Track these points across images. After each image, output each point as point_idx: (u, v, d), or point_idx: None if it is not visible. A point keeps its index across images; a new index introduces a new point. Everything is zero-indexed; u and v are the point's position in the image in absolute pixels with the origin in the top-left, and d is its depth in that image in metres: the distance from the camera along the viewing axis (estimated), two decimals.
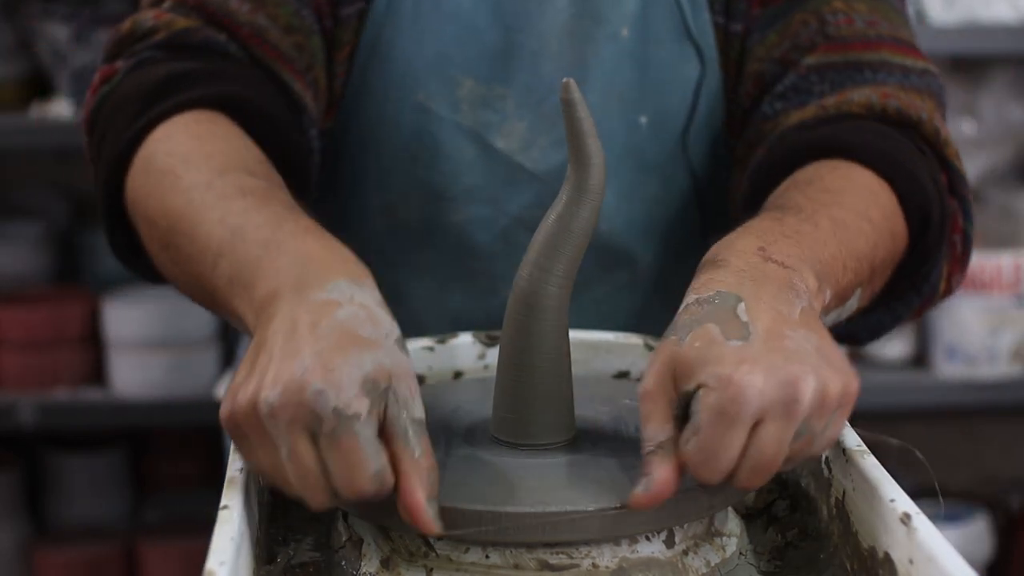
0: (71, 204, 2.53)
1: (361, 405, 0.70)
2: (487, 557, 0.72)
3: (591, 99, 1.09)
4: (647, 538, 0.74)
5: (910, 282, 1.02)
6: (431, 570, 0.73)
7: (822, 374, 0.72)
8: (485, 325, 1.12)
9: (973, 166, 2.47)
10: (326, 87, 1.09)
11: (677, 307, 1.14)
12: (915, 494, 0.75)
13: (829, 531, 0.77)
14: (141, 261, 1.02)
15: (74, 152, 1.86)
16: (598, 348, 0.96)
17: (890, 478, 0.71)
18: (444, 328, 1.12)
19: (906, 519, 0.66)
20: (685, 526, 0.75)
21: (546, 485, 0.74)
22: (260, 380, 0.72)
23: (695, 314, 0.76)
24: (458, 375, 0.95)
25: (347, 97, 1.11)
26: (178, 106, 0.98)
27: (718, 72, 1.12)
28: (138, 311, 2.25)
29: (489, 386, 0.82)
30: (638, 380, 0.94)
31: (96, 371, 2.30)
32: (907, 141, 1.01)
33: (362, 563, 0.75)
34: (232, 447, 0.76)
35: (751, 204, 1.01)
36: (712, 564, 0.75)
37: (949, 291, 1.07)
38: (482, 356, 0.95)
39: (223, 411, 0.75)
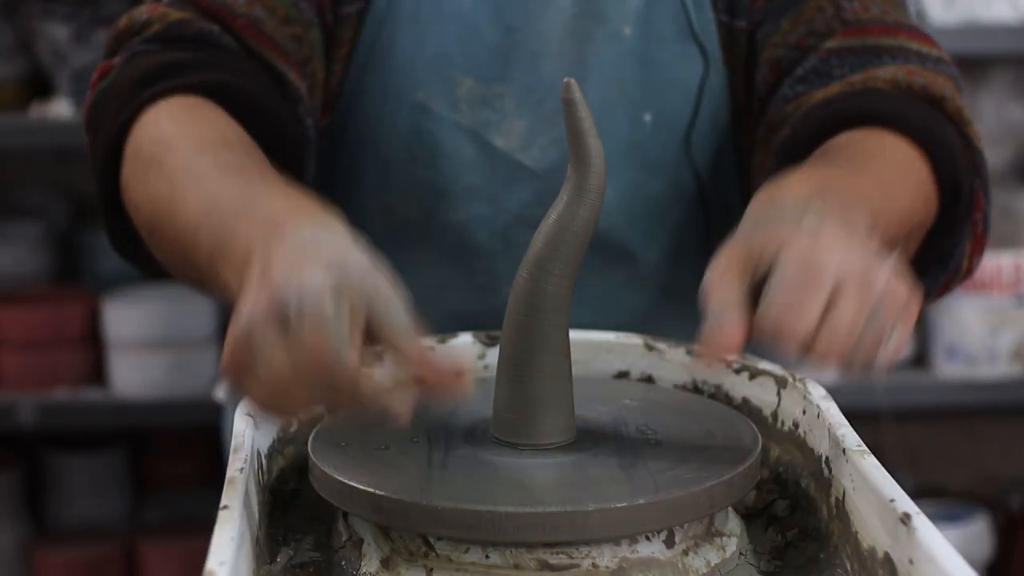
0: (71, 204, 2.53)
1: (326, 294, 0.72)
2: (487, 557, 0.72)
3: (592, 97, 1.09)
4: (647, 538, 0.74)
5: (937, 255, 1.03)
6: (431, 570, 0.73)
7: (892, 270, 0.74)
8: (486, 324, 1.12)
9: None
10: (323, 82, 1.09)
11: (678, 306, 1.15)
12: (915, 494, 0.75)
13: (829, 531, 0.77)
14: (139, 254, 1.03)
15: (74, 152, 1.86)
16: (598, 348, 0.96)
17: (890, 478, 0.71)
18: (444, 327, 1.12)
19: (906, 519, 0.66)
20: (685, 526, 0.75)
21: (546, 485, 0.74)
22: (241, 312, 0.74)
23: (762, 216, 0.77)
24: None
25: (344, 96, 1.11)
26: (165, 93, 0.98)
27: (722, 70, 1.12)
28: (138, 311, 2.25)
29: (489, 386, 0.82)
30: (638, 380, 0.94)
31: (96, 371, 2.30)
32: (937, 113, 1.01)
33: (362, 563, 0.75)
34: (232, 448, 0.76)
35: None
36: (712, 564, 0.75)
37: (970, 272, 1.07)
38: (482, 356, 0.95)
39: (223, 362, 0.77)
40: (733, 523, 0.79)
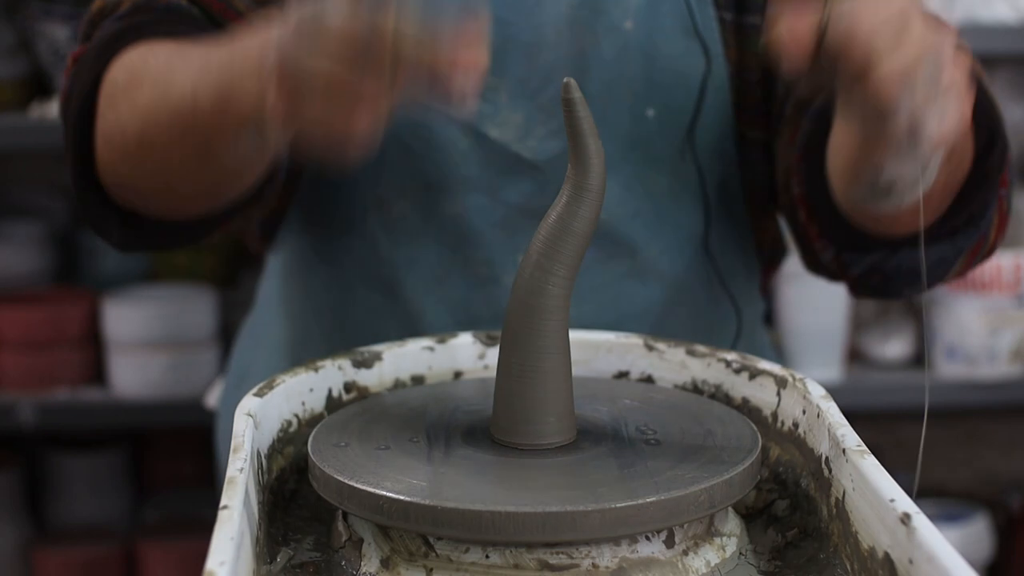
0: (71, 204, 2.53)
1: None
2: (487, 557, 0.72)
3: (592, 89, 1.10)
4: (647, 538, 0.74)
5: (968, 216, 1.03)
6: (431, 570, 0.73)
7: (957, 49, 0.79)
8: (486, 315, 1.12)
9: None
10: None
11: (677, 301, 1.15)
12: (915, 494, 0.75)
13: (829, 531, 0.77)
14: (115, 226, 1.03)
15: None
16: (598, 348, 0.96)
17: (890, 478, 0.71)
18: (444, 319, 1.12)
19: (906, 519, 0.66)
20: (685, 526, 0.75)
21: (546, 485, 0.74)
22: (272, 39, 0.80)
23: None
24: (458, 375, 0.95)
25: None
26: (130, 46, 1.00)
27: (724, 66, 1.13)
28: (138, 311, 2.25)
29: (489, 386, 0.82)
30: (638, 380, 0.94)
31: (96, 371, 2.30)
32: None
33: (362, 563, 0.75)
34: (232, 448, 0.76)
35: (814, 142, 1.04)
36: (712, 564, 0.75)
37: (993, 248, 1.08)
38: (482, 356, 0.95)
39: (271, 103, 0.81)
40: (733, 523, 0.79)
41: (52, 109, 2.28)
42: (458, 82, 0.78)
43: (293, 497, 0.84)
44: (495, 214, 1.12)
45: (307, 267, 1.19)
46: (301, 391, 0.88)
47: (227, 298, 2.34)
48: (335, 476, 0.75)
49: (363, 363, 0.92)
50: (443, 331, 1.11)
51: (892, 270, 1.08)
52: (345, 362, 0.91)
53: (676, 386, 0.93)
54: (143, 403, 2.25)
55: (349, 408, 0.87)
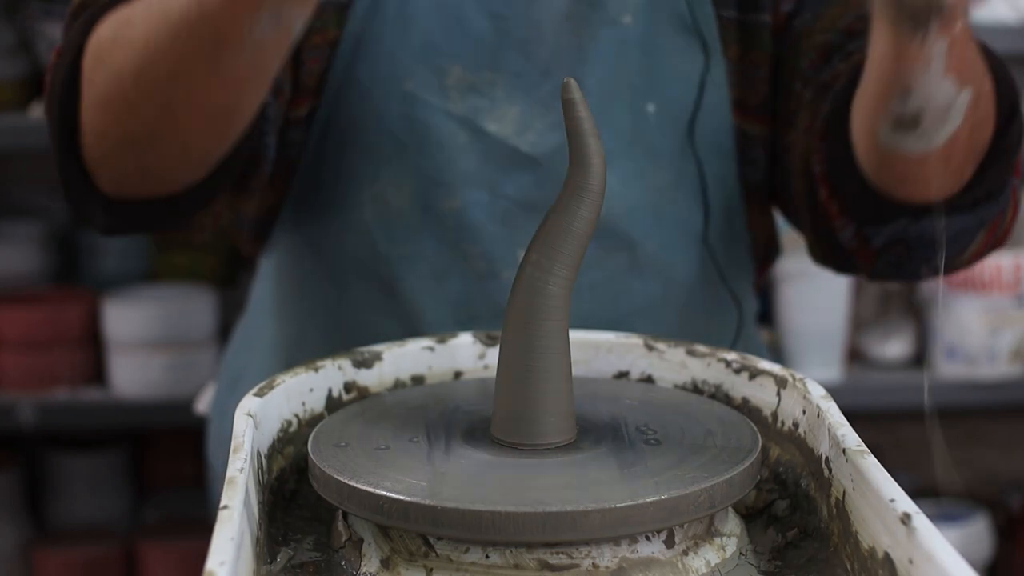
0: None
1: None
2: (487, 557, 0.72)
3: (590, 83, 1.10)
4: (647, 538, 0.74)
5: (987, 187, 1.04)
6: (431, 570, 0.73)
7: None
8: (485, 310, 1.12)
9: None
10: (291, 68, 1.09)
11: (677, 297, 1.16)
12: (915, 494, 0.75)
13: (829, 531, 0.77)
14: (100, 213, 1.03)
15: None
16: (598, 348, 0.96)
17: (890, 478, 0.71)
18: (443, 316, 1.12)
19: (906, 519, 0.66)
20: (685, 526, 0.75)
21: (546, 485, 0.74)
22: None
23: None
24: (458, 375, 0.95)
25: (330, 90, 1.12)
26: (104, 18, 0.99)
27: (722, 64, 1.13)
28: (138, 311, 2.25)
29: (489, 386, 0.82)
30: (638, 380, 0.94)
31: (96, 371, 2.30)
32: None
33: (362, 563, 0.75)
34: (232, 448, 0.76)
35: (837, 122, 1.04)
36: (712, 564, 0.75)
37: (1008, 233, 1.09)
38: (482, 356, 0.95)
39: None
40: (733, 523, 0.79)
41: None
42: None
43: (293, 497, 0.84)
44: (494, 208, 1.12)
45: (302, 267, 1.19)
46: (301, 391, 0.88)
47: (227, 298, 2.34)
48: (335, 476, 0.75)
49: (363, 363, 0.92)
50: (442, 327, 1.11)
51: (915, 240, 1.07)
52: (345, 362, 0.91)
53: (676, 386, 0.93)
54: (143, 403, 2.25)
55: (349, 408, 0.87)
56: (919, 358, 2.38)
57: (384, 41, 1.11)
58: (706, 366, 0.92)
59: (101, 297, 2.29)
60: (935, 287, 2.30)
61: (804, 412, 0.83)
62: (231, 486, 0.71)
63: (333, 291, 1.17)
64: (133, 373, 2.25)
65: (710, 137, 1.15)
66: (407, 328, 1.12)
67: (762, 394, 0.88)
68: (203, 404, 1.48)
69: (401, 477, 0.74)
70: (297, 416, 0.87)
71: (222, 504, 0.69)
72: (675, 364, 0.93)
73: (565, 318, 0.79)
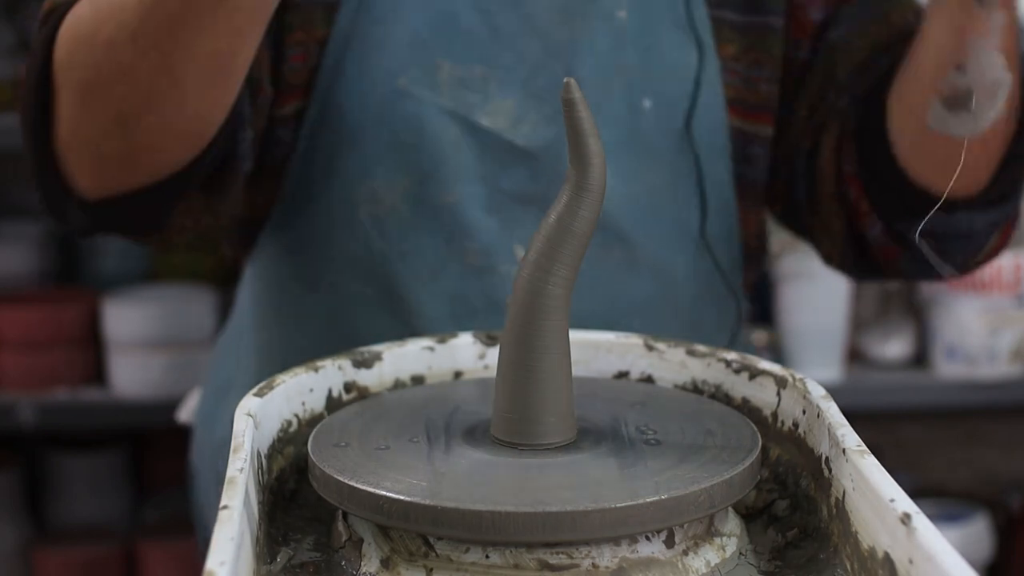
0: None
1: None
2: (487, 557, 0.72)
3: (584, 77, 1.10)
4: (647, 538, 0.74)
5: (1003, 189, 1.07)
6: (431, 570, 0.73)
7: None
8: (482, 305, 1.12)
9: None
10: (270, 66, 1.09)
11: (673, 293, 1.17)
12: (915, 494, 0.75)
13: (829, 531, 0.77)
14: (75, 214, 1.03)
15: None
16: (598, 348, 0.96)
17: (890, 478, 0.71)
18: (440, 312, 1.12)
19: (906, 519, 0.66)
20: (685, 526, 0.75)
21: (546, 485, 0.74)
22: None
23: None
24: (458, 375, 0.95)
25: (320, 88, 1.12)
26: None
27: (716, 61, 1.14)
28: (138, 311, 2.25)
29: (489, 386, 0.82)
30: (638, 380, 0.94)
31: (96, 371, 2.31)
32: None
33: (362, 563, 0.75)
34: (232, 448, 0.76)
35: (871, 119, 1.10)
36: (712, 564, 0.75)
37: (1014, 235, 1.14)
38: (482, 356, 0.95)
39: None
40: (733, 523, 0.79)
41: None
42: None
43: (293, 497, 0.84)
44: (490, 203, 1.12)
45: (293, 268, 1.18)
46: (301, 391, 0.88)
47: (227, 298, 2.34)
48: (335, 476, 0.75)
49: (363, 363, 0.92)
50: (438, 322, 1.11)
51: (944, 235, 1.10)
52: (345, 362, 0.91)
53: (676, 386, 0.93)
54: (143, 403, 2.25)
55: (349, 408, 0.87)
56: (919, 358, 2.38)
57: (374, 38, 1.11)
58: (706, 366, 0.92)
59: (101, 297, 2.29)
60: (935, 287, 2.30)
61: (804, 412, 0.83)
62: (231, 486, 0.71)
63: (326, 290, 1.16)
64: (133, 373, 2.25)
65: (706, 134, 1.16)
66: (403, 325, 1.12)
67: (762, 394, 0.88)
68: (185, 413, 1.46)
69: (401, 477, 0.74)
70: (297, 416, 0.87)
71: (222, 504, 0.69)
72: (675, 364, 0.93)
73: (565, 318, 0.79)
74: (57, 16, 1.01)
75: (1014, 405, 2.38)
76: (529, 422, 0.79)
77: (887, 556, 0.68)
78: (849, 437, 0.76)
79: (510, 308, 0.79)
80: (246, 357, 1.25)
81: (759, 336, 2.27)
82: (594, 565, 0.72)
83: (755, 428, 0.82)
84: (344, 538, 0.77)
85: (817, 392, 0.82)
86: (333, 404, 0.89)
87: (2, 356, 2.27)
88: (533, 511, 0.71)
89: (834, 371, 2.28)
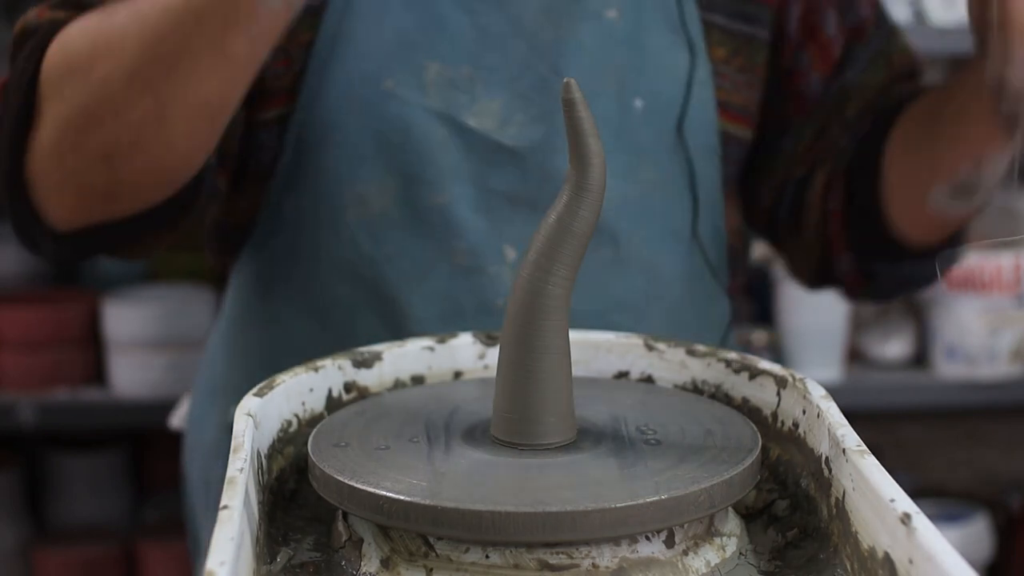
0: None
1: None
2: (487, 557, 0.72)
3: (572, 75, 1.10)
4: (647, 538, 0.74)
5: (960, 237, 1.21)
6: (431, 570, 0.73)
7: None
8: (472, 305, 1.12)
9: None
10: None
11: (662, 292, 1.19)
12: (915, 494, 0.75)
13: (829, 531, 0.77)
14: (48, 243, 1.04)
15: None
16: (598, 348, 0.96)
17: (890, 478, 0.71)
18: (429, 313, 1.12)
19: (906, 519, 0.66)
20: (685, 526, 0.75)
21: (546, 485, 0.74)
22: None
23: None
24: (458, 375, 0.95)
25: (305, 92, 1.11)
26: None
27: (707, 64, 1.15)
28: (138, 311, 2.25)
29: (489, 386, 0.82)
30: (638, 380, 0.94)
31: (96, 371, 2.31)
32: None
33: (362, 563, 0.75)
34: (232, 448, 0.76)
35: (864, 168, 1.19)
36: (712, 564, 0.75)
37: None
38: (482, 356, 0.95)
39: None
40: (733, 523, 0.79)
41: None
42: None
43: (293, 497, 0.84)
44: (479, 203, 1.12)
45: (282, 271, 1.18)
46: (301, 391, 0.88)
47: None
48: (335, 476, 0.75)
49: (363, 363, 0.92)
50: (428, 324, 1.11)
51: (910, 276, 1.25)
52: (345, 362, 0.91)
53: (676, 386, 0.93)
54: (143, 403, 2.25)
55: (349, 408, 0.87)
56: (919, 358, 2.38)
57: (359, 40, 1.10)
58: (706, 366, 0.92)
59: (101, 297, 2.29)
60: (935, 287, 2.30)
61: (804, 412, 0.83)
62: (231, 486, 0.71)
63: (315, 293, 1.16)
64: (133, 373, 2.25)
65: (697, 135, 1.17)
66: (392, 327, 1.12)
67: (762, 394, 0.88)
68: (177, 419, 1.46)
69: (401, 477, 0.74)
70: (297, 416, 0.87)
71: (222, 504, 0.69)
72: (675, 364, 0.93)
73: (565, 318, 0.79)
74: (38, 40, 1.02)
75: (1014, 405, 2.38)
76: (529, 422, 0.79)
77: (887, 556, 0.68)
78: (849, 437, 0.76)
79: (510, 308, 0.79)
80: (235, 360, 1.25)
81: (759, 336, 2.27)
82: (594, 565, 0.72)
83: (755, 428, 0.82)
84: (344, 538, 0.77)
85: (817, 392, 0.82)
86: (333, 404, 0.89)
87: (2, 356, 2.27)
88: (533, 511, 0.71)
89: (834, 371, 2.28)
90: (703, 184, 1.18)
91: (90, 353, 2.30)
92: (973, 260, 2.28)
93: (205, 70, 0.94)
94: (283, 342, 1.19)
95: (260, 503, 0.78)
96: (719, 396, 0.91)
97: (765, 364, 0.89)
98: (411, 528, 0.73)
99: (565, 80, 0.78)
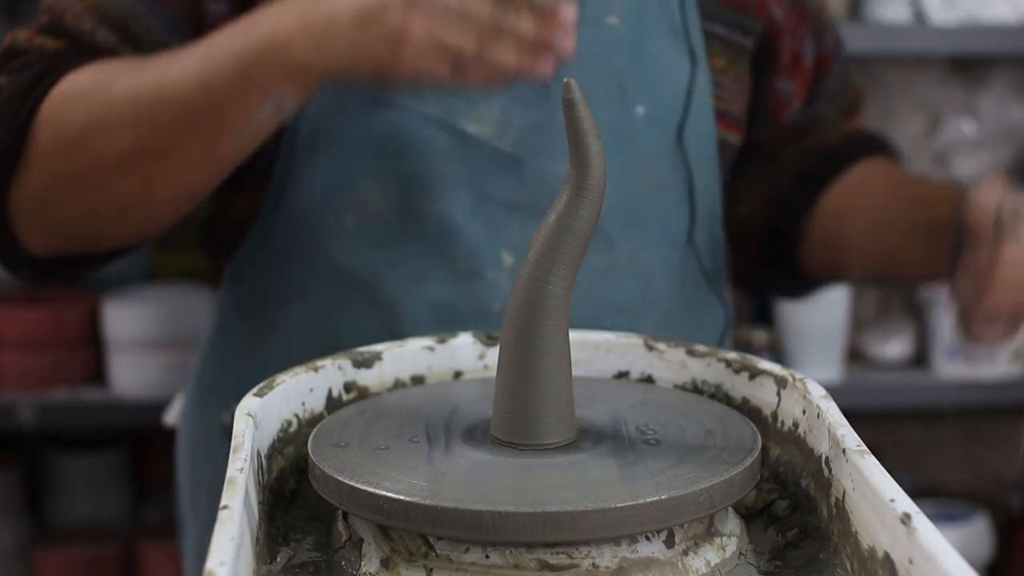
0: None
1: None
2: (487, 557, 0.72)
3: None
4: (647, 538, 0.74)
5: None
6: (431, 570, 0.73)
7: None
8: (469, 311, 1.12)
9: (973, 166, 2.47)
10: None
11: (657, 297, 1.20)
12: (915, 494, 0.75)
13: (829, 531, 0.78)
14: (28, 269, 1.12)
15: None
16: (598, 348, 0.96)
17: (890, 478, 0.71)
18: (427, 318, 1.12)
19: (906, 519, 0.66)
20: (685, 526, 0.75)
21: (546, 485, 0.74)
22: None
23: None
24: (458, 375, 0.95)
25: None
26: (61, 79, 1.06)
27: (707, 72, 1.16)
28: (138, 311, 2.25)
29: (489, 386, 0.82)
30: (638, 380, 0.94)
31: (96, 371, 2.30)
32: None
33: (362, 563, 0.75)
34: (232, 448, 0.76)
35: (793, 212, 1.29)
36: (712, 564, 0.75)
37: None
38: (482, 356, 0.95)
39: (402, 63, 0.95)
40: (733, 523, 0.79)
41: None
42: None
43: (293, 497, 0.84)
44: (477, 209, 1.12)
45: (279, 274, 1.17)
46: (301, 391, 0.88)
47: None
48: (335, 476, 0.75)
49: (363, 363, 0.92)
50: (425, 329, 1.11)
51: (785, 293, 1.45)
52: (345, 362, 0.91)
53: (676, 386, 0.93)
54: (143, 403, 2.25)
55: (349, 408, 0.87)
56: (919, 358, 2.38)
57: None
58: (706, 366, 0.92)
59: (101, 297, 2.29)
60: (935, 287, 2.30)
61: (804, 412, 0.83)
62: (231, 486, 0.71)
63: (312, 296, 1.16)
64: (133, 373, 2.25)
65: (696, 142, 1.17)
66: (389, 331, 1.12)
67: (762, 394, 0.88)
68: (172, 416, 1.46)
69: (401, 477, 0.74)
70: (297, 416, 0.87)
71: (222, 504, 0.69)
72: (675, 364, 0.93)
73: (565, 318, 0.79)
74: (38, 74, 1.06)
75: (1014, 405, 2.37)
76: (529, 422, 0.79)
77: (887, 556, 0.68)
78: (849, 437, 0.76)
79: (510, 308, 0.79)
80: (230, 361, 1.24)
81: (759, 336, 2.27)
82: (594, 565, 0.72)
83: (755, 428, 0.82)
84: (344, 538, 0.77)
85: (817, 392, 0.82)
86: (333, 404, 0.89)
87: (2, 356, 2.27)
88: (533, 511, 0.71)
89: (834, 371, 2.28)
90: (701, 192, 1.18)
91: (90, 353, 2.30)
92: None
93: (193, 163, 1.02)
94: (278, 345, 1.18)
95: (260, 503, 0.78)
96: (719, 396, 0.91)
97: (765, 364, 0.89)
98: (411, 528, 0.73)
99: (565, 80, 0.78)
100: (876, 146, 1.32)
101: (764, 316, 2.34)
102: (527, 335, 0.79)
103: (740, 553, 0.78)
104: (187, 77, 0.98)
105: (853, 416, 0.80)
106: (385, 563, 0.74)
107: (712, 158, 1.20)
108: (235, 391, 0.88)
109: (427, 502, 0.71)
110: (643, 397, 0.88)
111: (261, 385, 0.85)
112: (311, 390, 0.88)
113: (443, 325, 1.10)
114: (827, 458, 0.79)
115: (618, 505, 0.71)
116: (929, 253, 1.17)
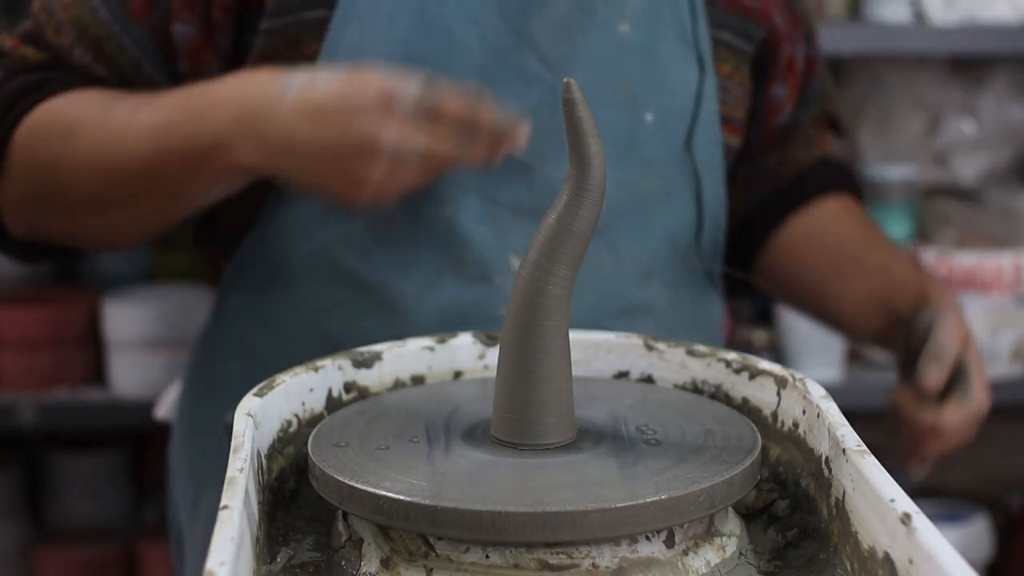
0: None
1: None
2: (487, 557, 0.73)
3: (581, 87, 1.10)
4: (647, 538, 0.74)
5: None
6: (431, 570, 0.73)
7: None
8: (476, 315, 1.12)
9: (973, 166, 2.47)
10: None
11: (659, 302, 1.20)
12: (915, 494, 0.75)
13: (829, 531, 0.78)
14: (15, 251, 1.19)
15: None
16: (598, 348, 0.96)
17: (890, 478, 0.71)
18: (434, 321, 1.12)
19: (906, 519, 0.66)
20: (685, 526, 0.75)
21: (546, 485, 0.74)
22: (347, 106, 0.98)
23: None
24: (458, 375, 0.95)
25: None
26: (42, 100, 1.12)
27: (714, 79, 1.16)
28: (138, 311, 2.25)
29: (489, 386, 0.82)
30: (638, 380, 0.94)
31: (96, 371, 2.30)
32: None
33: (362, 563, 0.75)
34: (232, 448, 0.76)
35: (763, 227, 1.33)
36: (712, 564, 0.75)
37: None
38: (482, 356, 0.95)
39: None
40: (733, 523, 0.79)
41: None
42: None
43: (293, 497, 0.84)
44: (486, 214, 1.12)
45: (283, 274, 1.17)
46: (301, 391, 0.88)
47: None
48: (335, 476, 0.75)
49: (363, 363, 0.92)
50: (432, 333, 1.11)
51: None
52: (345, 362, 0.91)
53: (676, 386, 0.93)
54: (143, 403, 2.24)
55: (349, 408, 0.87)
56: None
57: (366, 53, 1.10)
58: (706, 366, 0.92)
59: (101, 297, 2.29)
60: None
61: (804, 412, 0.83)
62: (231, 486, 0.71)
63: (317, 297, 1.15)
64: (133, 373, 2.25)
65: (704, 149, 1.17)
66: (394, 334, 1.11)
67: (762, 394, 0.88)
68: (163, 410, 1.45)
69: (401, 477, 0.74)
70: (297, 416, 0.87)
71: (222, 504, 0.69)
72: (675, 364, 0.93)
73: (565, 318, 0.79)
74: (14, 95, 1.12)
75: (1014, 405, 2.37)
76: (529, 422, 0.79)
77: (887, 556, 0.68)
78: (849, 437, 0.76)
79: (510, 308, 0.79)
80: (230, 360, 1.24)
81: (759, 336, 2.26)
82: (594, 565, 0.72)
83: (755, 428, 0.82)
84: (344, 538, 0.77)
85: (817, 392, 0.82)
86: (333, 404, 0.89)
87: (2, 356, 2.27)
88: (533, 511, 0.71)
89: (834, 371, 2.28)
90: (708, 197, 1.19)
91: (90, 353, 2.30)
92: (973, 260, 2.28)
93: (155, 216, 1.10)
94: (280, 344, 1.18)
95: (260, 503, 0.78)
96: (719, 396, 0.91)
97: (765, 364, 0.89)
98: (411, 528, 0.73)
99: (565, 80, 0.79)
100: (843, 178, 1.36)
101: (764, 316, 2.34)
102: (527, 335, 0.79)
103: (740, 553, 0.78)
104: (143, 150, 1.04)
105: (853, 416, 0.80)
106: (385, 563, 0.74)
107: (719, 164, 1.20)
108: (235, 391, 0.88)
109: (427, 502, 0.71)
110: (643, 397, 0.88)
111: (261, 385, 0.85)
112: (311, 390, 0.88)
113: (450, 328, 1.10)
114: (827, 458, 0.79)
115: (618, 505, 0.71)
116: (880, 334, 1.27)
